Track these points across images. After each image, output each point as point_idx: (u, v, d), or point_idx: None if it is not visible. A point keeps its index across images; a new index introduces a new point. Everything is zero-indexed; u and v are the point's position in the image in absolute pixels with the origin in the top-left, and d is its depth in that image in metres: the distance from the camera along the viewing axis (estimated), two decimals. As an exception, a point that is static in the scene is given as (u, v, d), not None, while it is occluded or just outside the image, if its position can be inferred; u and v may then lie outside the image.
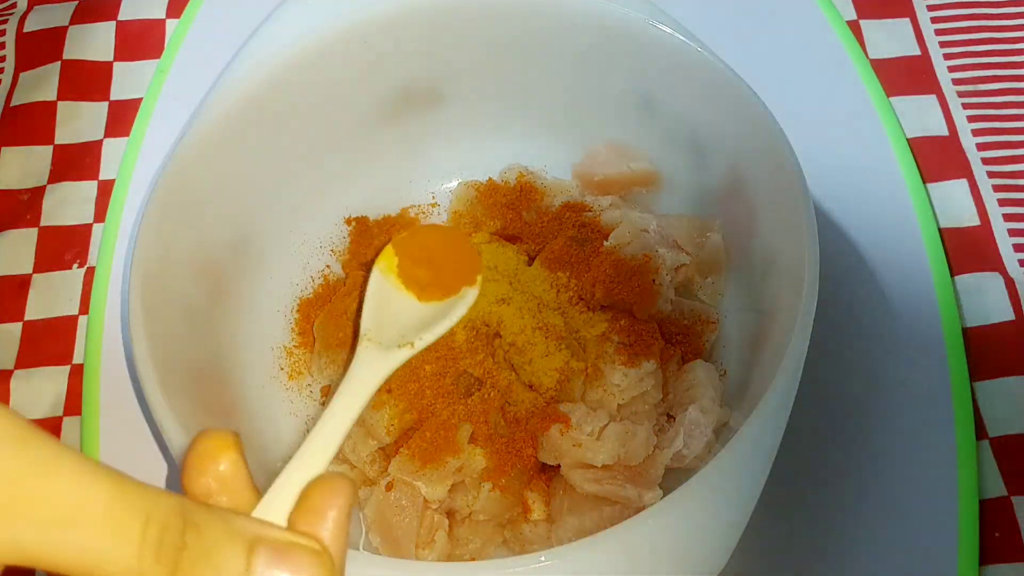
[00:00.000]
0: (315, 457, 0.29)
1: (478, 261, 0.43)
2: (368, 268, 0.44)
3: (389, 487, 0.42)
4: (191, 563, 0.22)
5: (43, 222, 0.55)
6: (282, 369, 0.48)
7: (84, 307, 0.52)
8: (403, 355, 0.37)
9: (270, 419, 0.45)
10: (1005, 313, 0.49)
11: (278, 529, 0.25)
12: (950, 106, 0.56)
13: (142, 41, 0.61)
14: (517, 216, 0.50)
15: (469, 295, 0.41)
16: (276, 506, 0.27)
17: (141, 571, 0.22)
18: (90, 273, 0.53)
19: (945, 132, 0.55)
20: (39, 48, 0.61)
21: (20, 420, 0.22)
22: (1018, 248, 0.51)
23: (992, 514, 0.43)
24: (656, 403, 0.44)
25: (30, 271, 0.54)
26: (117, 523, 0.22)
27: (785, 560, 0.42)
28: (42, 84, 0.60)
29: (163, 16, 0.62)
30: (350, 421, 0.32)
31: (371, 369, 0.35)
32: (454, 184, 0.53)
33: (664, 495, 0.38)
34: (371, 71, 0.48)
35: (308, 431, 0.46)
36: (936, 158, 0.54)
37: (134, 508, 0.22)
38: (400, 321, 0.39)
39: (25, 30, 0.62)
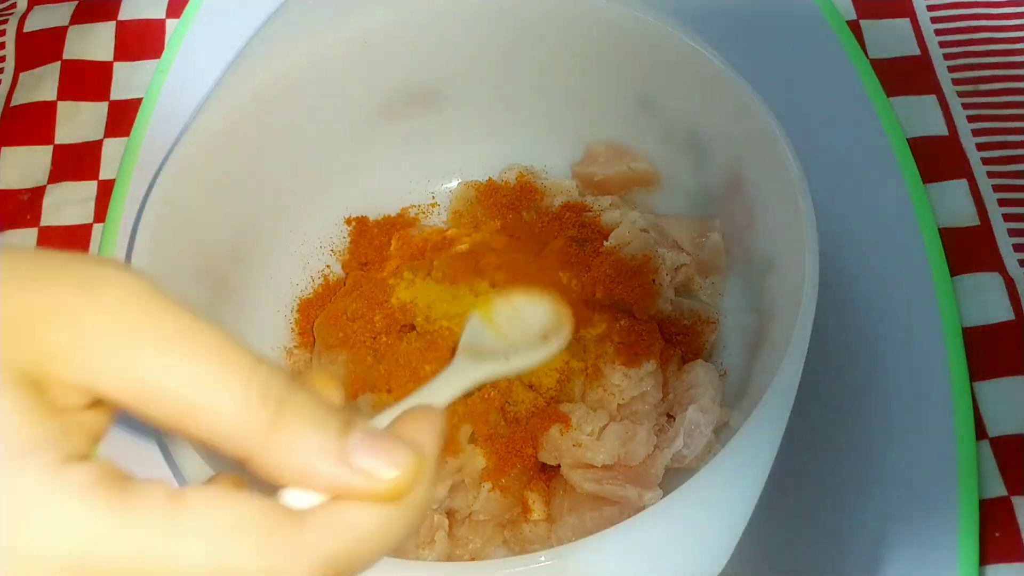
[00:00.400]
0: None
1: (569, 320, 0.44)
2: (363, 266, 0.44)
3: (389, 487, 0.42)
4: (293, 413, 0.22)
5: (43, 222, 0.55)
6: (282, 369, 0.48)
7: (84, 307, 0.52)
8: (495, 369, 0.39)
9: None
10: (1005, 313, 0.49)
11: (366, 423, 0.25)
12: (950, 106, 0.56)
13: (142, 41, 0.61)
14: (517, 216, 0.50)
15: (555, 346, 0.42)
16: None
17: (247, 410, 0.22)
18: (90, 273, 0.53)
19: (945, 132, 0.55)
20: (39, 48, 0.61)
21: (146, 276, 0.22)
22: (1018, 248, 0.51)
23: (992, 514, 0.43)
24: (656, 403, 0.44)
25: (30, 271, 0.53)
26: (232, 361, 0.22)
27: (785, 560, 0.42)
28: (42, 84, 0.60)
29: (163, 16, 0.62)
30: (449, 396, 0.33)
31: (464, 372, 0.37)
32: (454, 184, 0.53)
33: (664, 495, 0.38)
34: (371, 71, 0.48)
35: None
36: (936, 158, 0.54)
37: (248, 354, 0.22)
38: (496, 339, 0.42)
39: (25, 30, 0.62)
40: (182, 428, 0.22)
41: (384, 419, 0.27)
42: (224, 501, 0.21)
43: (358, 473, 0.22)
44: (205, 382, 0.22)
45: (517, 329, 0.42)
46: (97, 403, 0.22)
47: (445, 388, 0.34)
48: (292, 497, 0.23)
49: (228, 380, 0.22)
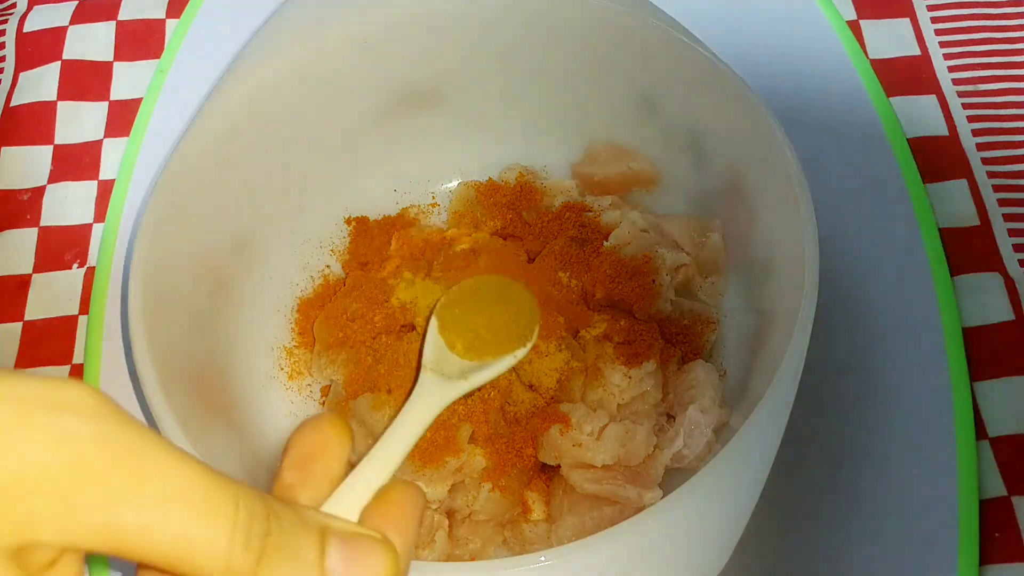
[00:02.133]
0: (378, 468, 0.30)
1: (537, 315, 0.44)
2: (363, 269, 0.44)
3: (389, 487, 0.42)
4: (274, 550, 0.23)
5: (43, 222, 0.55)
6: (282, 369, 0.48)
7: (84, 307, 0.52)
8: (461, 387, 0.39)
9: (270, 419, 0.45)
10: (1005, 313, 0.49)
11: (343, 521, 0.26)
12: (950, 106, 0.56)
13: (142, 41, 0.61)
14: (517, 216, 0.50)
15: (520, 352, 0.42)
16: (344, 503, 0.28)
17: (231, 558, 0.22)
18: (90, 273, 0.53)
19: (945, 132, 0.55)
20: (39, 48, 0.61)
21: (117, 405, 0.22)
22: (1018, 248, 0.51)
23: (992, 514, 0.43)
24: (656, 403, 0.44)
25: (30, 271, 0.54)
26: (213, 506, 0.22)
27: (785, 560, 0.42)
28: (42, 84, 0.60)
29: (163, 16, 0.62)
30: (411, 442, 0.33)
31: (432, 396, 0.37)
32: (454, 184, 0.53)
33: (664, 495, 0.38)
34: (371, 71, 0.48)
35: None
36: (936, 158, 0.54)
37: (227, 492, 0.22)
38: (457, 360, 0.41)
39: (25, 30, 0.62)
40: (167, 572, 0.22)
41: (359, 486, 0.28)
42: None
43: None
44: (189, 533, 0.22)
45: (480, 335, 0.42)
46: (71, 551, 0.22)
47: (418, 417, 0.34)
48: None
49: (213, 528, 0.22)
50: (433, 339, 0.42)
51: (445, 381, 0.39)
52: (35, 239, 0.55)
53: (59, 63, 0.60)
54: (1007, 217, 0.52)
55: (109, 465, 0.21)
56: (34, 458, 0.21)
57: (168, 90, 0.58)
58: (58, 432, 0.21)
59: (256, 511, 0.23)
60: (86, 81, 0.60)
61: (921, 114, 0.55)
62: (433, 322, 0.43)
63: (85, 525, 0.21)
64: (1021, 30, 0.58)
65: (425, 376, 0.39)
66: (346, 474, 0.29)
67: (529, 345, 0.42)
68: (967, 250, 0.51)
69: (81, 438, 0.21)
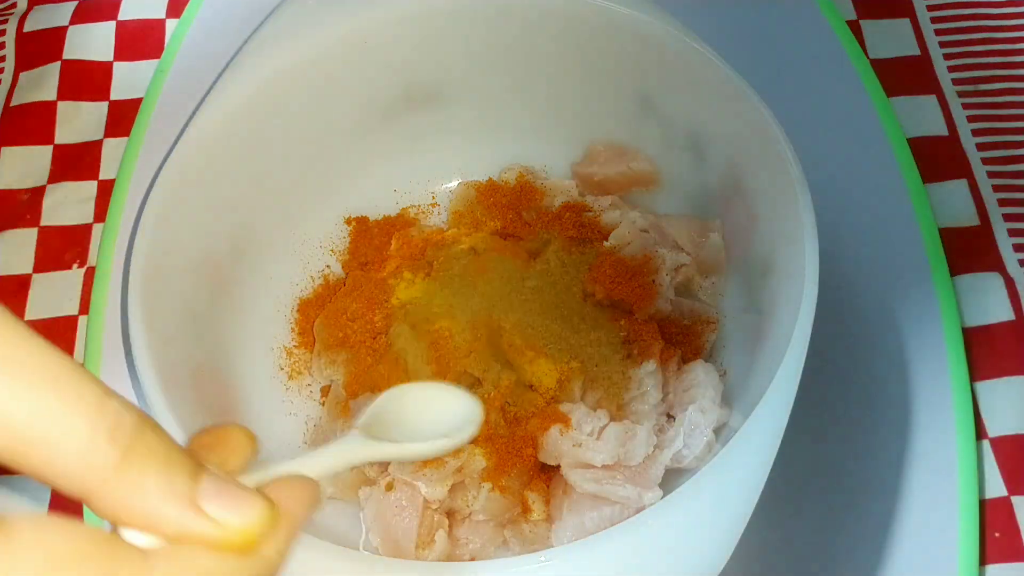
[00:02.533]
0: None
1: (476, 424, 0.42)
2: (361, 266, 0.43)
3: (389, 487, 0.42)
4: (143, 454, 0.21)
5: (43, 222, 0.55)
6: (282, 369, 0.48)
7: (84, 307, 0.52)
8: (388, 451, 0.36)
9: (270, 419, 0.45)
10: (1005, 313, 0.49)
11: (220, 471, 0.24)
12: (950, 106, 0.56)
13: (142, 41, 0.61)
14: (517, 216, 0.50)
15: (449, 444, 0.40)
16: None
17: (93, 447, 0.20)
18: (90, 273, 0.53)
19: (945, 132, 0.55)
20: (39, 48, 0.61)
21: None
22: (1018, 248, 0.51)
23: (992, 514, 0.44)
24: (656, 403, 0.44)
25: (30, 271, 0.54)
26: (79, 390, 0.20)
27: (785, 560, 0.42)
28: (42, 84, 0.60)
29: (163, 16, 0.62)
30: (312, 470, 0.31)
31: (351, 448, 0.34)
32: (454, 184, 0.53)
33: (664, 495, 0.38)
34: (371, 71, 0.48)
35: (308, 431, 0.46)
36: (936, 158, 0.54)
37: (96, 385, 0.21)
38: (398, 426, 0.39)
39: (25, 30, 0.62)
40: (15, 460, 0.20)
41: (254, 478, 0.26)
42: (61, 532, 0.20)
43: (205, 519, 0.21)
44: (46, 413, 0.20)
45: (424, 416, 0.41)
46: None
47: (330, 459, 0.33)
48: (131, 536, 0.21)
49: (73, 413, 0.20)
50: (375, 406, 0.41)
51: (372, 440, 0.37)
52: (35, 239, 0.55)
53: (59, 63, 0.60)
54: (1007, 217, 0.52)
55: None
56: None
57: (168, 90, 0.58)
58: None
59: (128, 412, 0.21)
60: (86, 81, 0.60)
61: (921, 114, 0.55)
62: (383, 395, 0.42)
63: None
64: (1021, 30, 0.58)
65: (353, 432, 0.37)
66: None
67: (464, 440, 0.41)
68: (967, 250, 0.51)
69: None
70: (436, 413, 0.39)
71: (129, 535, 0.21)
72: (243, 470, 0.26)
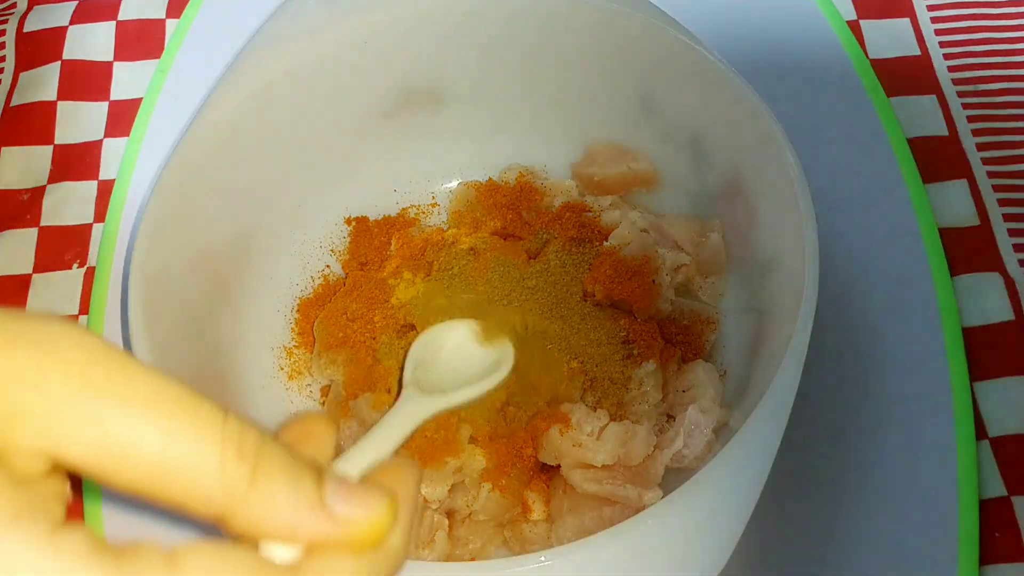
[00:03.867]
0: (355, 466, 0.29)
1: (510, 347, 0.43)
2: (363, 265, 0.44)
3: (389, 487, 0.42)
4: (270, 463, 0.22)
5: (43, 222, 0.55)
6: (282, 369, 0.48)
7: (84, 307, 0.52)
8: (442, 403, 0.38)
9: (270, 419, 0.45)
10: (1005, 313, 0.49)
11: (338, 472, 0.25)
12: (950, 106, 0.56)
13: (142, 41, 0.61)
14: (517, 216, 0.50)
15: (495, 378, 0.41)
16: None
17: (226, 467, 0.21)
18: (90, 273, 0.53)
19: (945, 132, 0.55)
20: (39, 48, 0.61)
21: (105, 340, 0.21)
22: (1018, 248, 0.51)
23: (992, 514, 0.43)
24: (656, 403, 0.44)
25: (30, 271, 0.54)
26: (199, 412, 0.21)
27: (785, 560, 0.42)
28: (42, 84, 0.60)
29: (163, 16, 0.62)
30: (388, 449, 0.32)
31: (414, 408, 0.36)
32: (454, 184, 0.53)
33: (664, 495, 0.38)
34: (371, 71, 0.48)
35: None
36: (936, 158, 0.54)
37: (215, 406, 0.22)
38: (441, 375, 0.41)
39: (25, 30, 0.62)
40: (155, 492, 0.21)
41: (349, 464, 0.27)
42: (218, 557, 0.21)
43: (336, 521, 0.22)
44: (179, 441, 0.21)
45: (457, 360, 0.42)
46: (57, 469, 0.21)
47: (399, 427, 0.34)
48: (272, 551, 0.22)
49: (203, 437, 0.21)
50: (413, 359, 0.42)
51: (426, 396, 0.38)
52: (35, 239, 0.54)
53: (59, 63, 0.60)
54: (1007, 217, 0.52)
55: (94, 374, 0.20)
56: (17, 363, 0.20)
57: (168, 90, 0.58)
58: (37, 338, 0.20)
59: (247, 428, 0.22)
60: (86, 81, 0.60)
61: (921, 114, 0.55)
62: (412, 349, 0.43)
63: (68, 430, 0.20)
64: (1021, 30, 0.58)
65: (406, 392, 0.38)
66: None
67: (502, 377, 0.42)
68: (967, 250, 0.51)
69: (68, 346, 0.21)
70: (468, 355, 0.41)
71: (269, 551, 0.22)
72: (332, 460, 0.27)
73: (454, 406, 0.39)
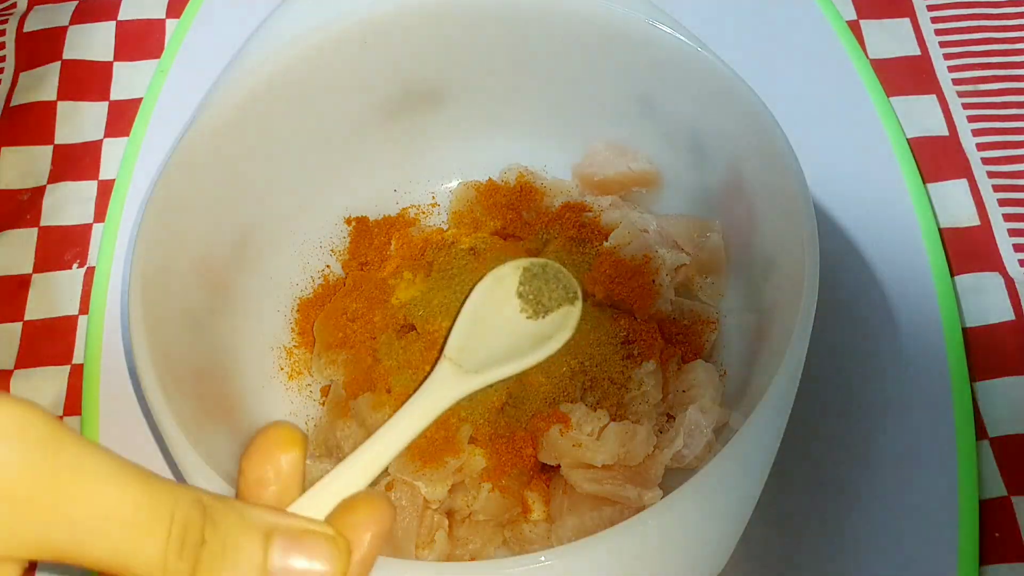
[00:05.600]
0: (365, 465, 0.30)
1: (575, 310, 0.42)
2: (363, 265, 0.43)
3: (389, 487, 0.42)
4: (211, 558, 0.23)
5: (43, 222, 0.55)
6: (282, 369, 0.48)
7: (84, 307, 0.52)
8: (477, 382, 0.38)
9: (270, 419, 0.45)
10: (1005, 313, 0.49)
11: (292, 517, 0.26)
12: (950, 106, 0.56)
13: (142, 41, 0.61)
14: (517, 216, 0.50)
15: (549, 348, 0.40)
16: (315, 505, 0.28)
17: (165, 568, 0.22)
18: (90, 273, 0.53)
19: (945, 132, 0.55)
20: (39, 48, 0.61)
21: (49, 419, 0.22)
22: (1018, 248, 0.51)
23: (992, 514, 0.43)
24: (656, 403, 0.44)
25: (30, 271, 0.54)
26: (145, 523, 0.22)
27: (785, 560, 0.42)
28: (42, 84, 0.60)
29: (163, 16, 0.62)
30: (409, 437, 0.32)
31: (448, 387, 0.36)
32: (454, 184, 0.53)
33: (664, 495, 0.38)
34: (371, 71, 0.48)
35: (308, 431, 0.46)
36: (936, 158, 0.54)
37: (160, 508, 0.23)
38: (487, 345, 0.40)
39: (25, 30, 0.62)
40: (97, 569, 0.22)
41: (329, 483, 0.28)
42: None
43: None
44: (122, 549, 0.22)
45: (505, 334, 0.40)
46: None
47: (432, 405, 0.33)
48: None
49: (145, 544, 0.22)
50: (463, 327, 0.40)
51: (463, 374, 0.38)
52: (35, 239, 0.55)
53: (59, 63, 0.60)
54: (1007, 217, 0.52)
55: (35, 491, 0.21)
56: None
57: (168, 90, 0.58)
58: None
59: (191, 521, 0.23)
60: (86, 81, 0.60)
61: (921, 114, 0.55)
62: (468, 306, 0.41)
63: (18, 541, 0.21)
64: (1021, 30, 0.58)
65: (444, 365, 0.38)
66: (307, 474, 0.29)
67: (559, 342, 0.40)
68: (967, 250, 0.51)
69: (7, 463, 0.21)
70: (517, 328, 0.40)
71: None
72: (300, 471, 0.28)
73: (493, 382, 0.38)
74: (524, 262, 0.42)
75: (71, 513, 0.22)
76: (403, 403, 0.43)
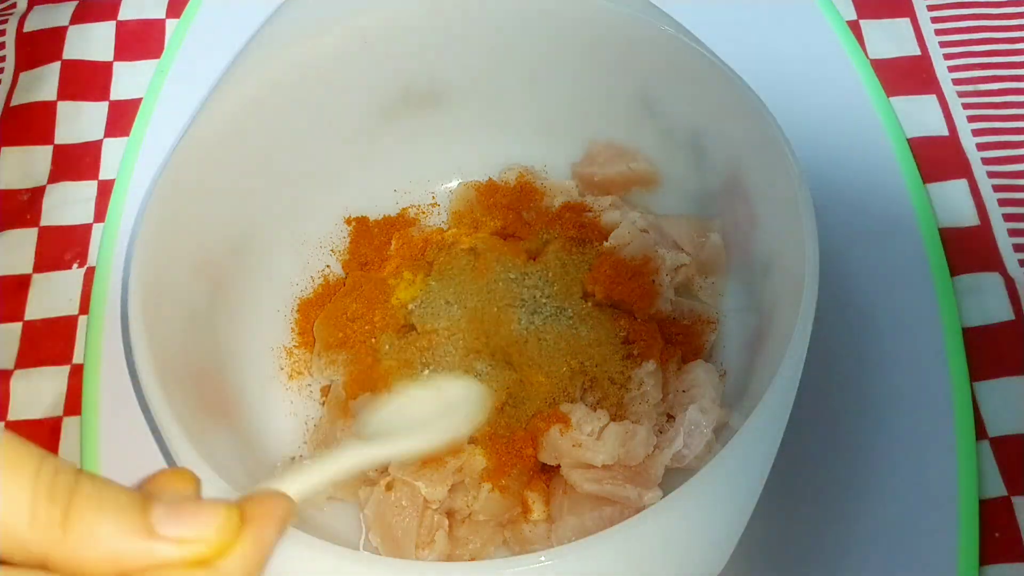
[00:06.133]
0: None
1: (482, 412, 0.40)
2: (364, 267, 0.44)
3: (389, 487, 0.42)
4: (86, 504, 0.22)
5: (43, 222, 0.55)
6: (282, 369, 0.48)
7: (84, 307, 0.52)
8: (380, 452, 0.35)
9: (270, 419, 0.45)
10: (1005, 313, 0.49)
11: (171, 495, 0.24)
12: (950, 106, 0.56)
13: (142, 41, 0.61)
14: (517, 216, 0.50)
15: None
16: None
17: (36, 512, 0.21)
18: (90, 273, 0.53)
19: (945, 132, 0.55)
20: (39, 48, 0.61)
21: None
22: (1018, 248, 0.51)
23: (992, 514, 0.43)
24: (656, 403, 0.44)
25: (30, 271, 0.54)
26: (13, 461, 0.21)
27: (785, 560, 0.42)
28: (42, 84, 0.60)
29: (163, 16, 0.62)
30: (311, 485, 0.30)
31: (352, 455, 0.34)
32: (454, 184, 0.53)
33: (664, 495, 0.38)
34: (371, 71, 0.48)
35: (308, 431, 0.46)
36: (936, 158, 0.54)
37: (30, 451, 0.22)
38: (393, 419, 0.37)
39: (25, 30, 0.62)
40: None
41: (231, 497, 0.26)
42: None
43: (169, 542, 0.22)
44: None
45: (426, 411, 0.38)
46: None
47: (331, 465, 0.32)
48: None
49: (13, 482, 0.21)
50: (381, 412, 0.38)
51: (369, 444, 0.35)
52: (35, 239, 0.54)
53: (59, 63, 0.60)
54: (1007, 217, 0.52)
55: None
56: None
57: (168, 90, 0.58)
58: None
59: (63, 468, 0.22)
60: (86, 81, 0.60)
61: (921, 114, 0.55)
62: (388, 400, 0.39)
63: None
64: (1021, 30, 0.58)
65: (350, 440, 0.36)
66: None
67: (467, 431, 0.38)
68: (967, 250, 0.51)
69: None
70: (441, 406, 0.38)
71: None
72: (197, 496, 0.26)
73: (396, 455, 0.36)
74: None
75: None
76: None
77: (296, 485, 0.29)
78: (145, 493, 0.23)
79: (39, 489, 0.21)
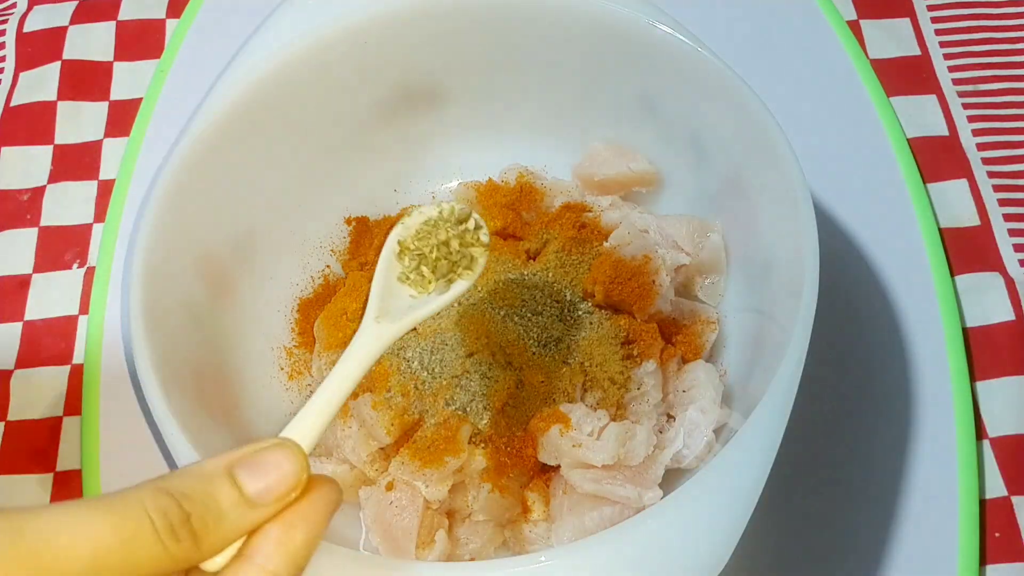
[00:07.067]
0: (309, 424, 0.30)
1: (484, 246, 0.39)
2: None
3: (389, 487, 0.42)
4: (201, 523, 0.24)
5: (43, 222, 0.55)
6: (282, 369, 0.48)
7: (84, 307, 0.52)
8: (404, 325, 0.36)
9: (270, 419, 0.45)
10: (1005, 313, 0.49)
11: (240, 449, 0.26)
12: (950, 106, 0.56)
13: (142, 41, 0.61)
14: (517, 216, 0.50)
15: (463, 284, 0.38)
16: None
17: (173, 556, 0.23)
18: (90, 273, 0.53)
19: (945, 132, 0.55)
20: (39, 48, 0.61)
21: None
22: (1018, 248, 0.51)
23: (992, 514, 0.44)
24: (656, 403, 0.44)
25: (30, 271, 0.54)
26: (129, 535, 0.23)
27: (785, 560, 0.42)
28: (42, 84, 0.60)
29: (163, 16, 0.62)
30: (348, 390, 0.31)
31: (376, 338, 0.34)
32: (454, 184, 0.53)
33: (664, 495, 0.38)
34: (371, 71, 0.48)
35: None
36: (936, 158, 0.54)
37: (131, 515, 0.23)
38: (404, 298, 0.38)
39: (25, 30, 0.62)
40: None
41: (304, 421, 0.29)
42: None
43: (260, 503, 0.25)
44: (123, 553, 0.22)
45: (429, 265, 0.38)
46: None
47: (356, 362, 0.33)
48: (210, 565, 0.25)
49: (137, 540, 0.23)
50: (381, 280, 0.37)
51: (388, 323, 0.36)
52: (35, 239, 0.55)
53: (59, 63, 0.60)
54: (1007, 217, 0.52)
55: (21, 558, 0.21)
56: None
57: (168, 90, 0.58)
58: None
59: (164, 506, 0.23)
60: (86, 81, 0.60)
61: (921, 114, 0.55)
62: (384, 258, 0.37)
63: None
64: (1021, 30, 0.58)
65: (366, 323, 0.36)
66: None
67: (474, 274, 0.36)
68: (967, 250, 0.51)
69: None
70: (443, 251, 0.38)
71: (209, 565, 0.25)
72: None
73: (424, 315, 0.35)
74: (424, 215, 0.39)
75: (58, 565, 0.22)
76: (403, 403, 0.43)
77: (331, 384, 0.31)
78: (220, 468, 0.25)
79: (163, 535, 0.23)
